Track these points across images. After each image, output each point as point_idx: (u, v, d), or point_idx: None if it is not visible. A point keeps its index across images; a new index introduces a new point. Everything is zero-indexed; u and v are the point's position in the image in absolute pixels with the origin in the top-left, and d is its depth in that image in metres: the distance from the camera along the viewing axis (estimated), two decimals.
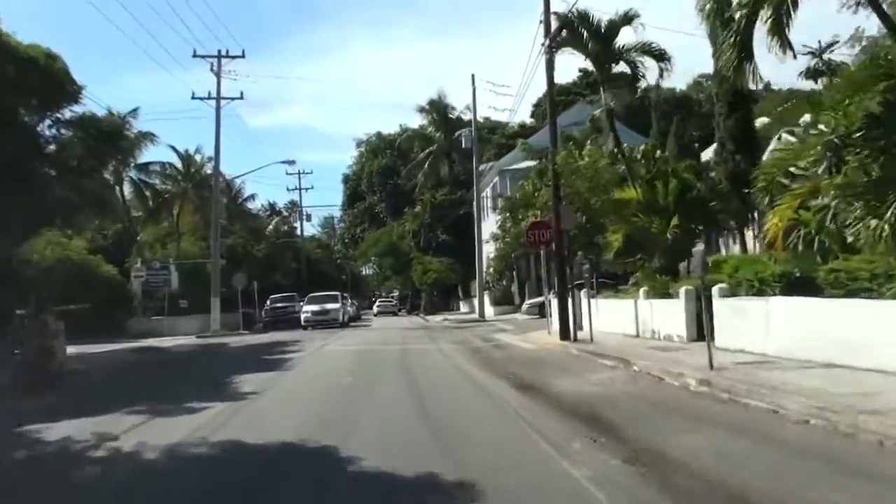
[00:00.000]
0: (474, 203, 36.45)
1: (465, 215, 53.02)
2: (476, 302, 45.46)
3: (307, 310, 34.85)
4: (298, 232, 69.45)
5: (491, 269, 38.01)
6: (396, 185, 69.37)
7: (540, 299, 34.45)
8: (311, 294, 38.28)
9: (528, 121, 62.36)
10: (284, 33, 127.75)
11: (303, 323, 33.82)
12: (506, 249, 36.91)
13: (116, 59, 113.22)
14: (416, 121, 61.22)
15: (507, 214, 37.49)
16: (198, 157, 44.78)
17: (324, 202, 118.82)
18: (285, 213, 76.97)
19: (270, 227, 64.41)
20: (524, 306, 34.31)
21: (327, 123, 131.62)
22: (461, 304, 53.98)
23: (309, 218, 70.60)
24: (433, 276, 48.55)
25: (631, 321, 16.60)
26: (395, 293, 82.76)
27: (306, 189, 69.04)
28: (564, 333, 16.72)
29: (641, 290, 16.04)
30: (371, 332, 29.40)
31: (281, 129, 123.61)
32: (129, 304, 38.78)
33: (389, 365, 14.43)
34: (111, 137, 28.29)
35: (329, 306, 34.73)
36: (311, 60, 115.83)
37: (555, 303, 20.35)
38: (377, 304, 71.36)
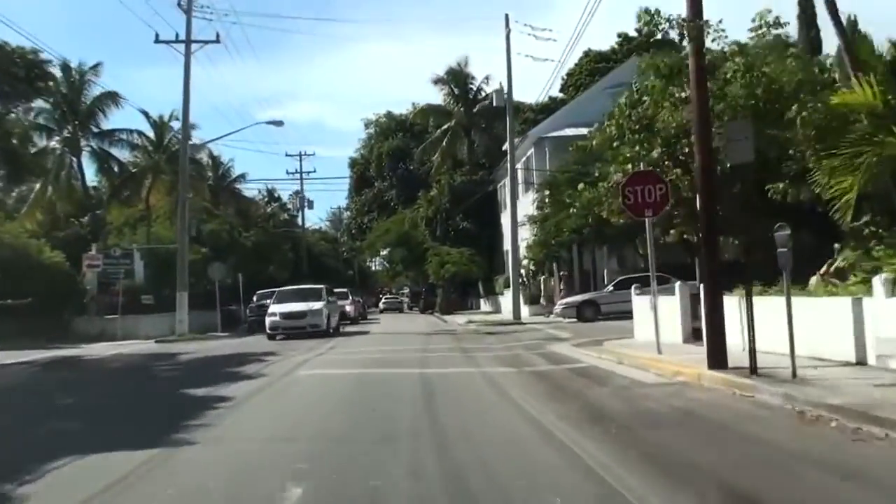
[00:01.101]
0: (508, 176, 28.90)
1: (488, 199, 45.55)
2: (503, 300, 38.18)
3: (274, 311, 24.01)
4: (302, 222, 62.18)
5: (526, 261, 30.51)
6: (408, 170, 61.89)
7: (577, 298, 26.89)
8: (283, 288, 27.85)
9: (558, 95, 54.43)
10: (295, 27, 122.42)
11: (268, 330, 23.69)
12: (545, 234, 29.42)
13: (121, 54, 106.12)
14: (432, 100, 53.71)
15: (546, 192, 30.06)
16: (175, 125, 37.40)
17: (332, 197, 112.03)
18: (286, 201, 69.65)
19: (263, 210, 57.03)
20: (558, 306, 26.90)
21: (338, 119, 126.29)
22: (482, 302, 46.43)
23: (311, 205, 63.23)
24: (452, 269, 40.87)
25: (843, 337, 9.06)
26: (406, 290, 76.02)
27: (308, 173, 61.45)
28: (717, 357, 9.19)
29: (878, 280, 8.48)
30: (375, 340, 21.83)
31: (290, 124, 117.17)
32: (81, 300, 31.58)
33: (402, 431, 6.88)
34: (26, 75, 21.13)
35: (306, 306, 23.52)
36: (321, 56, 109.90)
37: (645, 303, 12.93)
38: (383, 300, 68.55)
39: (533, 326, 24.83)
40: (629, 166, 14.06)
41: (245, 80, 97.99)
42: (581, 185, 16.44)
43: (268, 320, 23.96)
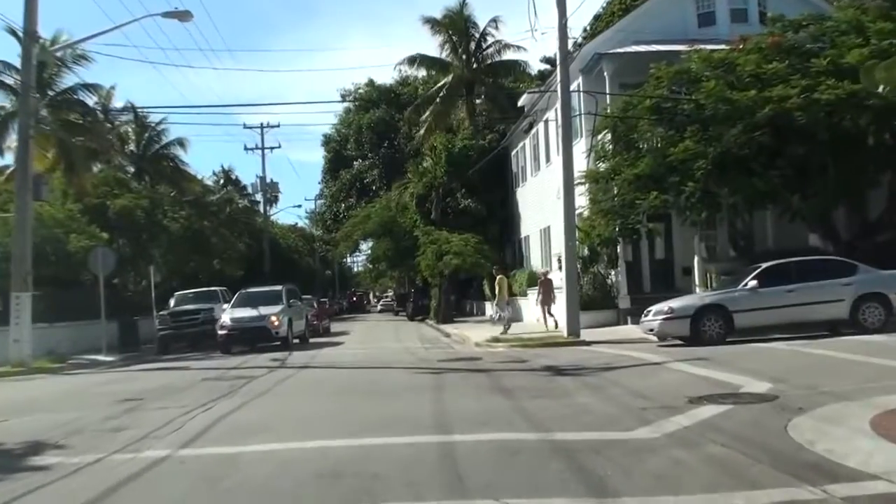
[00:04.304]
0: (558, 106, 17.83)
1: (498, 172, 34.56)
2: (525, 304, 27.33)
3: None
4: (264, 208, 50.72)
5: (582, 241, 19.61)
6: (394, 147, 50.92)
7: (689, 302, 14.89)
8: None
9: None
10: (279, 30, 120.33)
11: None
12: (611, 199, 18.51)
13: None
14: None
15: (607, 136, 19.06)
16: (60, 55, 25.99)
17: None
18: (246, 184, 58.19)
19: (218, 194, 45.59)
20: (653, 319, 15.27)
21: (322, 120, 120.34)
22: (487, 306, 35.24)
23: (275, 188, 51.76)
24: (455, 261, 29.65)
25: None
26: (391, 292, 65.70)
27: (271, 148, 50.10)
28: None
29: None
30: (298, 405, 10.54)
31: (278, 127, 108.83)
32: None
33: None
34: None
35: None
36: (305, 57, 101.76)
37: None
38: (380, 303, 65.59)
39: (621, 353, 13.77)
40: None
41: (228, 83, 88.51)
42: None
43: None
